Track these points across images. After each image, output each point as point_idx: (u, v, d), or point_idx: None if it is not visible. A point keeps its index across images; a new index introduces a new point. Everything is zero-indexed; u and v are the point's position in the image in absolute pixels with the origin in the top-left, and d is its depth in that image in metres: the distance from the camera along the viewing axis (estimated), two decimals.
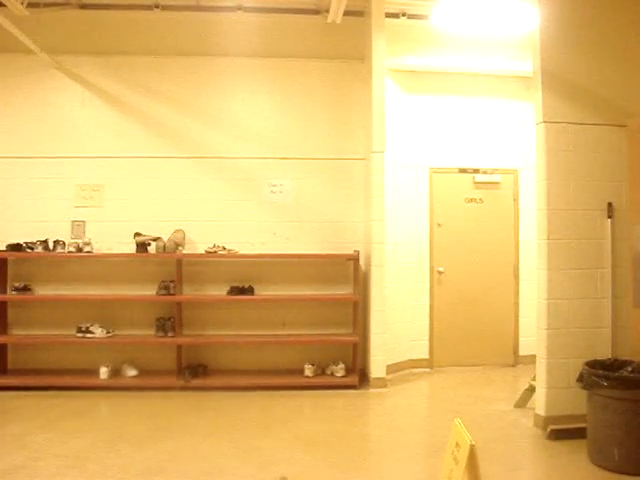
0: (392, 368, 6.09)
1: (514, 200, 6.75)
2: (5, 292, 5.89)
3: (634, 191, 4.48)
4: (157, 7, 6.09)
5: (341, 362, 5.89)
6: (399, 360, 6.34)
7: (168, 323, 5.84)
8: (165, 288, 5.82)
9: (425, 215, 6.61)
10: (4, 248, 5.79)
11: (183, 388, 5.61)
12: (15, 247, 5.76)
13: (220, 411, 5.03)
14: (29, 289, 5.89)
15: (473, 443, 1.92)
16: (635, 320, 4.40)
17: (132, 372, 5.81)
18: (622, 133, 4.55)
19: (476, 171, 6.68)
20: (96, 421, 4.77)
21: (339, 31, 6.20)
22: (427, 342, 6.59)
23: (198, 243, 6.09)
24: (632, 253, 4.46)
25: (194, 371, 5.77)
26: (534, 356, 4.64)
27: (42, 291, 5.98)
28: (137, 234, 5.87)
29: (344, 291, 6.18)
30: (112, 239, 6.01)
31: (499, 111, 6.70)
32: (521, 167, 6.69)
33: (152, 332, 5.88)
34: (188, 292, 6.05)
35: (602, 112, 4.55)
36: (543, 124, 4.52)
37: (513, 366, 6.61)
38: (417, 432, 4.67)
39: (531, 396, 4.88)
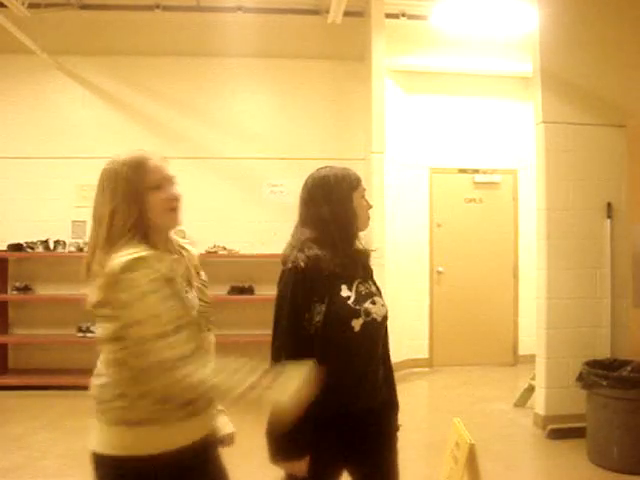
0: None
1: (513, 200, 6.76)
2: (6, 292, 5.90)
3: (633, 191, 4.48)
4: (157, 7, 6.09)
5: None
6: (399, 360, 6.32)
7: None
8: None
9: (425, 215, 6.61)
10: (5, 248, 5.80)
11: None
12: (16, 247, 5.77)
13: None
14: (30, 289, 5.91)
15: (473, 442, 1.92)
16: (635, 320, 4.40)
17: None
18: (621, 133, 4.55)
19: (476, 171, 6.68)
20: None
21: (339, 31, 6.19)
22: (427, 342, 6.60)
23: (198, 243, 6.08)
24: (632, 253, 4.47)
25: None
26: (533, 355, 4.65)
27: (43, 291, 5.98)
28: None
29: None
30: None
31: (499, 111, 6.71)
32: (520, 167, 6.69)
33: None
34: None
35: (601, 112, 4.56)
36: (543, 124, 4.53)
37: (513, 365, 6.62)
38: (417, 431, 4.66)
39: (530, 395, 4.89)
